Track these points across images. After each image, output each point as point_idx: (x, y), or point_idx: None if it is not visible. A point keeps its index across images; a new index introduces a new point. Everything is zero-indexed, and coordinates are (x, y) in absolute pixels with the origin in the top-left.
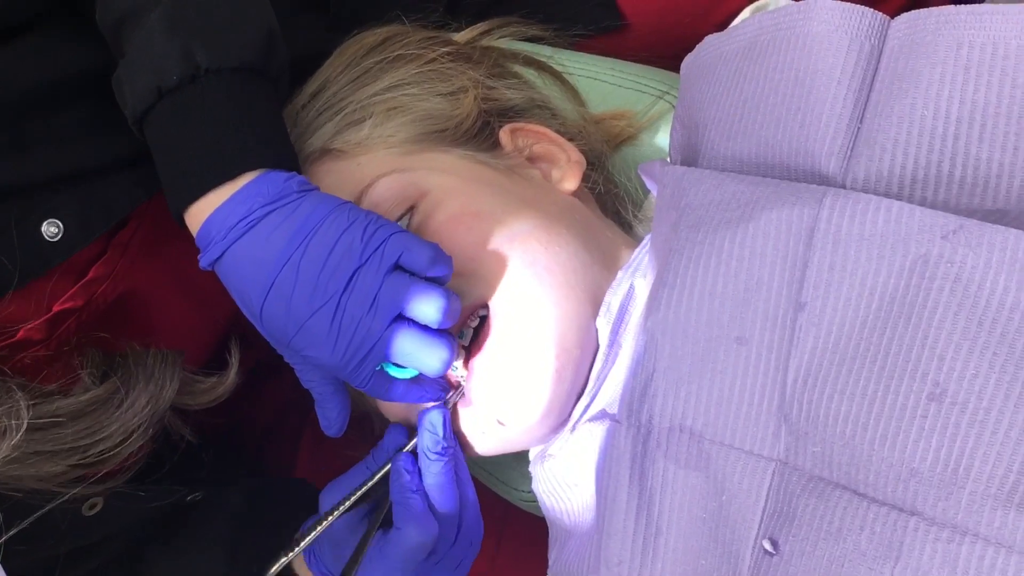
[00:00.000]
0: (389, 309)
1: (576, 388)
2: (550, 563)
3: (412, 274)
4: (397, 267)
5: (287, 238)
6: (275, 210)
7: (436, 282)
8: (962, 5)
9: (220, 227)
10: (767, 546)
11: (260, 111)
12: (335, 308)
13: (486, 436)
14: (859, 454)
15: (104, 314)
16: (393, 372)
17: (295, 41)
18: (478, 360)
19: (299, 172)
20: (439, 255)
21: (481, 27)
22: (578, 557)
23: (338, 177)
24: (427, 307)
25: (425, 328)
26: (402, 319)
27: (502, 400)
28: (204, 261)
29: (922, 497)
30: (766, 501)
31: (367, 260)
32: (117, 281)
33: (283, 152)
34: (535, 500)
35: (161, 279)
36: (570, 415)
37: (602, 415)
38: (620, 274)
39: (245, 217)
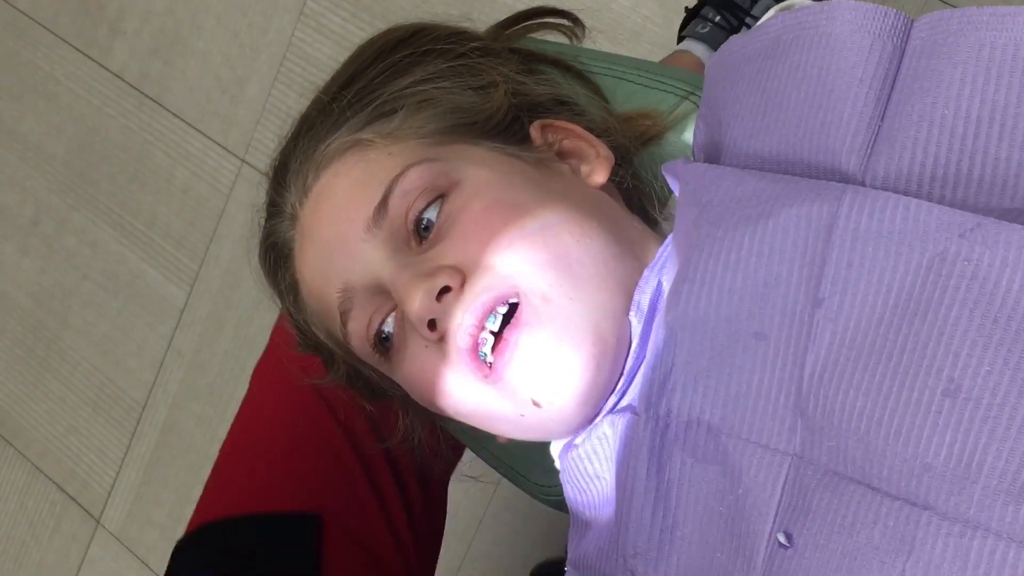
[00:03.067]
0: None
1: (612, 380)
2: (569, 552)
3: None
4: None
5: None
6: None
7: None
8: (985, 7)
9: None
10: (782, 539)
11: None
12: None
13: (520, 418)
14: (873, 449)
15: None
16: None
17: None
18: (515, 337)
19: None
20: None
21: (506, 22)
22: (596, 547)
23: (368, 167)
24: None
25: None
26: None
27: (541, 379)
28: None
29: (935, 492)
30: (781, 495)
31: None
32: None
33: None
34: (554, 493)
35: None
36: (601, 411)
37: (623, 408)
38: (647, 272)
39: None
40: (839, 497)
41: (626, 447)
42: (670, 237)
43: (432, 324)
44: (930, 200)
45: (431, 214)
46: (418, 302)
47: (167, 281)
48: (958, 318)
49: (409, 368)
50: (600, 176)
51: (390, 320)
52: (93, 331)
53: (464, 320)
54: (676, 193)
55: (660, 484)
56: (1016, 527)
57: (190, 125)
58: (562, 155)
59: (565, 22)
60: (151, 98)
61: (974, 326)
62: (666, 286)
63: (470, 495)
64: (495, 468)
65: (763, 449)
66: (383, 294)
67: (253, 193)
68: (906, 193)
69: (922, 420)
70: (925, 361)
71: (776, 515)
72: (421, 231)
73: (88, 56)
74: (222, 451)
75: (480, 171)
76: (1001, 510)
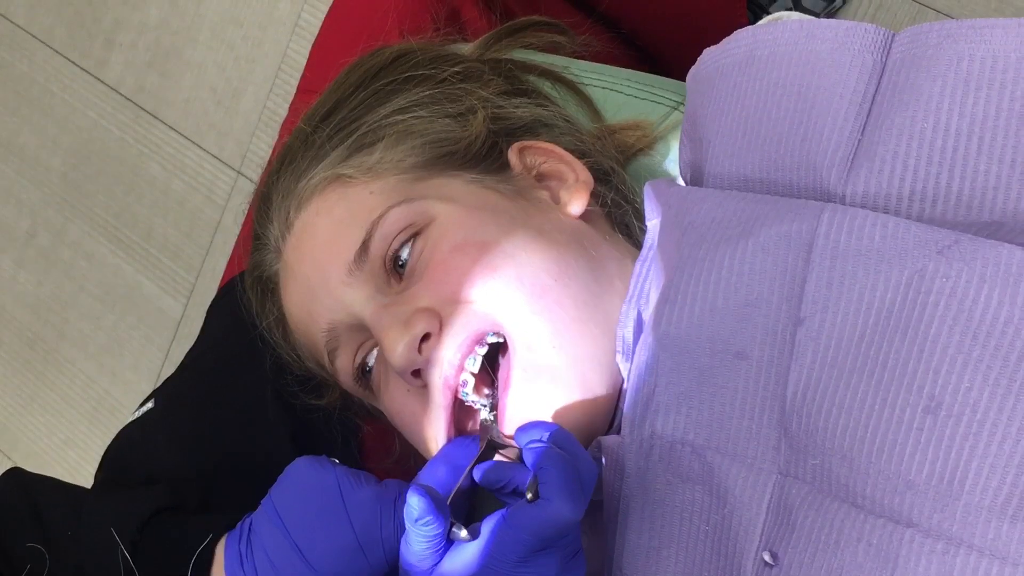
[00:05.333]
0: None
1: (606, 422)
2: None
3: None
4: None
5: None
6: None
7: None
8: (964, 20)
9: None
10: (767, 558)
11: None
12: None
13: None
14: (857, 466)
15: None
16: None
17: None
18: (508, 401)
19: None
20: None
21: (492, 36)
22: (588, 567)
23: (349, 206)
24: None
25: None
26: None
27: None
28: None
29: (918, 509)
30: (767, 513)
31: None
32: None
33: None
34: None
35: None
36: None
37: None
38: (624, 307)
39: None
40: (823, 515)
41: (612, 470)
42: (638, 265)
43: (416, 373)
44: (909, 216)
45: (407, 252)
46: (399, 353)
47: (164, 293)
48: (937, 335)
49: (391, 406)
50: (578, 204)
51: (374, 352)
52: (90, 343)
53: (445, 372)
54: (647, 213)
55: (646, 505)
56: (999, 543)
57: (186, 137)
58: (541, 178)
59: (556, 35)
60: (147, 111)
61: (954, 343)
62: (645, 316)
63: None
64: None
65: (748, 468)
66: (367, 331)
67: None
68: (886, 209)
69: (904, 437)
70: (906, 379)
71: (762, 534)
72: (398, 268)
73: (84, 69)
74: None
75: (453, 208)
76: (984, 527)
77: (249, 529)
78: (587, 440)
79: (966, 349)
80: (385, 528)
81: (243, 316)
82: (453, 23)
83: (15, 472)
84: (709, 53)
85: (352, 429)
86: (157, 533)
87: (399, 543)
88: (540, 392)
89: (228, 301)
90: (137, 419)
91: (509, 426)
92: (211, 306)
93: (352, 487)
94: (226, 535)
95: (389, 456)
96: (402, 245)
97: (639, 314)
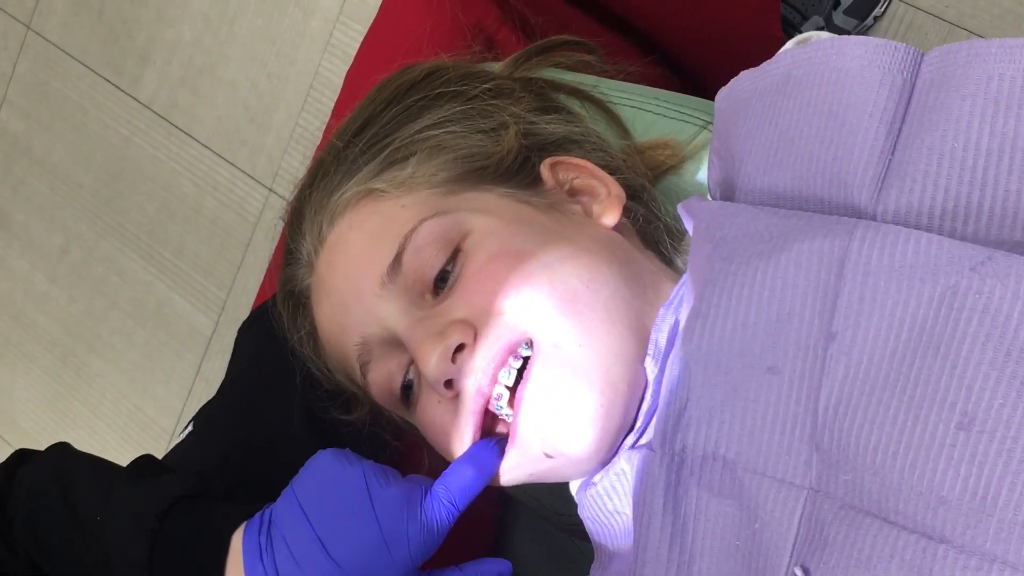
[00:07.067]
0: None
1: (625, 424)
2: None
3: None
4: None
5: None
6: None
7: None
8: (994, 39)
9: None
10: (799, 573)
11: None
12: None
13: (530, 468)
14: (889, 482)
15: None
16: None
17: None
18: (526, 392)
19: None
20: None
21: (522, 54)
22: None
23: (381, 219)
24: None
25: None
26: None
27: (551, 433)
28: None
29: (951, 525)
30: (798, 529)
31: None
32: None
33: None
34: (572, 522)
35: None
36: (619, 450)
37: (641, 445)
38: (663, 310)
39: None
40: (856, 531)
41: (642, 483)
42: (686, 275)
43: (449, 383)
44: (941, 233)
45: (441, 265)
46: (433, 363)
47: (195, 310)
48: (971, 351)
49: (423, 417)
50: (611, 216)
51: (412, 368)
52: (121, 359)
53: (479, 380)
54: (689, 232)
55: (676, 519)
56: None
57: (218, 154)
58: (573, 193)
59: (584, 54)
60: (179, 128)
61: (987, 359)
62: (683, 323)
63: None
64: (511, 494)
65: (779, 483)
66: (401, 346)
67: (280, 222)
68: (917, 227)
69: (936, 453)
70: (939, 395)
71: (793, 549)
72: (437, 283)
73: (117, 86)
74: None
75: (488, 220)
76: (1018, 543)
77: (269, 521)
78: (607, 437)
79: (999, 365)
80: (411, 526)
81: (274, 337)
82: (489, 52)
83: (61, 448)
84: (747, 75)
85: (380, 445)
86: (177, 522)
87: (424, 543)
88: (561, 382)
89: (259, 326)
90: (176, 445)
91: (526, 417)
92: (240, 330)
93: (379, 484)
94: (244, 524)
95: (417, 472)
96: (436, 258)
97: (677, 321)
